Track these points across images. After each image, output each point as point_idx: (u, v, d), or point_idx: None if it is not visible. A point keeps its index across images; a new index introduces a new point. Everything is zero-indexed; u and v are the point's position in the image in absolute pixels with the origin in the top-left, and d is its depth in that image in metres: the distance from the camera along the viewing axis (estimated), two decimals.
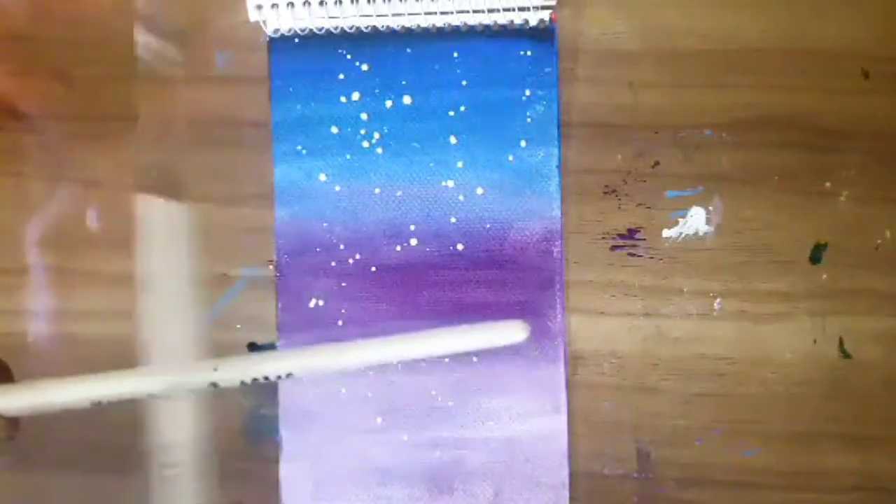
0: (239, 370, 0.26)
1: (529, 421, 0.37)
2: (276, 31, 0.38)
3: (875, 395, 0.37)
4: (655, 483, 0.37)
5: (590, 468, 0.37)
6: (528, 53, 0.37)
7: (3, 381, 0.25)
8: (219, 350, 0.38)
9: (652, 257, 0.38)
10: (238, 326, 0.38)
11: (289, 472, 0.37)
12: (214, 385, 0.26)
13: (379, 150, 0.38)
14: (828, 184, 0.37)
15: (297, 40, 0.38)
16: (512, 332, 0.27)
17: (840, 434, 0.37)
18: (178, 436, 0.39)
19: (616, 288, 0.38)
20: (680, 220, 0.37)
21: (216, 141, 0.39)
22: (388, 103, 0.38)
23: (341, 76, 0.38)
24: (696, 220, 0.37)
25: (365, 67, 0.38)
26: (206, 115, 0.39)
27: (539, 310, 0.37)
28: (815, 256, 0.37)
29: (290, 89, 0.38)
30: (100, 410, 0.38)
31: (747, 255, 0.37)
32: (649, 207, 0.38)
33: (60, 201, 0.39)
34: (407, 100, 0.38)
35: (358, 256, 0.37)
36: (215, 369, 0.26)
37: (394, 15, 0.37)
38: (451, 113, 0.37)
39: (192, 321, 0.35)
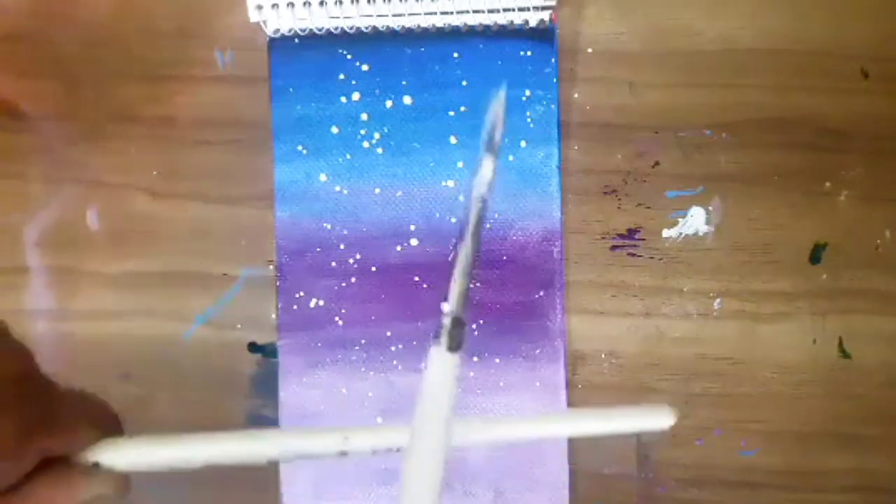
0: (369, 440, 0.25)
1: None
2: (276, 31, 0.38)
3: (874, 395, 0.37)
4: (655, 483, 0.37)
5: (590, 468, 0.37)
6: (528, 53, 0.37)
7: (114, 434, 0.24)
8: (219, 350, 0.38)
9: (652, 257, 0.38)
10: (238, 326, 0.38)
11: (289, 472, 0.37)
12: (343, 453, 0.24)
13: (379, 150, 0.38)
14: (828, 184, 0.37)
15: (297, 40, 0.38)
16: (659, 418, 0.26)
17: (840, 434, 0.37)
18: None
19: (616, 288, 0.38)
20: (680, 220, 0.37)
21: (216, 141, 0.39)
22: (388, 103, 0.38)
23: (341, 76, 0.38)
24: (696, 220, 0.37)
25: (365, 67, 0.38)
26: (206, 115, 0.39)
27: (539, 310, 0.37)
28: (815, 256, 0.37)
29: (290, 89, 0.38)
30: None
31: (747, 255, 0.37)
32: (649, 207, 0.37)
33: (60, 201, 0.39)
34: (407, 100, 0.38)
35: (358, 256, 0.37)
36: (346, 438, 0.24)
37: (394, 15, 0.37)
38: (451, 113, 0.37)
39: None
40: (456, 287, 0.24)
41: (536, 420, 0.25)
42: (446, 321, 0.24)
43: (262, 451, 0.24)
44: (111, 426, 0.24)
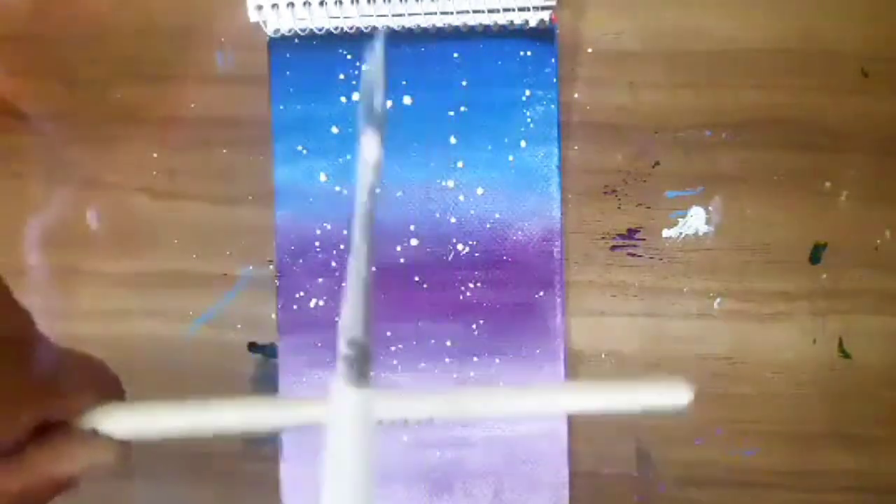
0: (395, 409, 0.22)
1: (529, 421, 0.37)
2: (276, 31, 0.38)
3: (875, 395, 0.37)
4: (655, 483, 0.37)
5: (590, 468, 0.37)
6: (528, 53, 0.37)
7: (115, 398, 0.23)
8: (219, 350, 0.38)
9: (652, 257, 0.38)
10: (238, 326, 0.38)
11: (289, 472, 0.37)
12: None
13: None
14: (828, 184, 0.37)
15: (297, 40, 0.38)
16: (674, 394, 0.24)
17: (840, 434, 0.37)
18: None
19: (616, 288, 0.38)
20: (680, 220, 0.37)
21: (216, 141, 0.39)
22: (388, 103, 0.38)
23: (341, 76, 0.38)
24: (696, 220, 0.37)
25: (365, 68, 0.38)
26: (206, 115, 0.39)
27: (539, 310, 0.37)
28: (815, 256, 0.37)
29: (290, 89, 0.38)
30: None
31: (747, 255, 0.37)
32: (649, 207, 0.37)
33: (60, 201, 0.39)
34: (407, 100, 0.38)
35: None
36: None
37: (394, 15, 0.37)
38: (451, 113, 0.37)
39: None
40: (353, 305, 0.19)
41: (539, 391, 0.22)
42: (346, 349, 0.19)
43: (261, 418, 0.22)
44: (112, 390, 0.24)
